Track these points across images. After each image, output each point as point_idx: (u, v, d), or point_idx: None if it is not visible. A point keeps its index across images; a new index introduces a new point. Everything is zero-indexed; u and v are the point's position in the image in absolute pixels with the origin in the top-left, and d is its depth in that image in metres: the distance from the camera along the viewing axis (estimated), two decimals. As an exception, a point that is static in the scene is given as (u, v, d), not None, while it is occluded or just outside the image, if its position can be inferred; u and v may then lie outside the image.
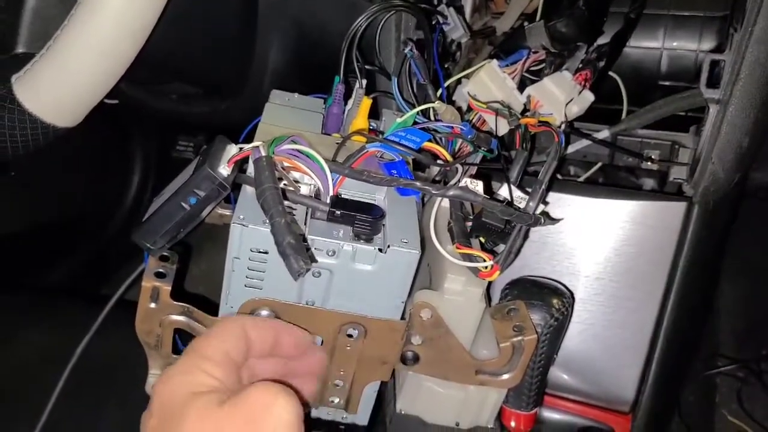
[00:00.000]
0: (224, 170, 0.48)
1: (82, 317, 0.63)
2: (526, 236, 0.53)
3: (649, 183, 0.74)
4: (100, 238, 1.29)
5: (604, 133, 0.72)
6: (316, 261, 0.46)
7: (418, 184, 0.47)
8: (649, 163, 0.72)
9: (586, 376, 0.73)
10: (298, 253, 0.40)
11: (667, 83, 0.78)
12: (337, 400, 0.55)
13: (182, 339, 0.52)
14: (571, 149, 0.73)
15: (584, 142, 0.72)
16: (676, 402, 0.99)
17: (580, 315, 0.69)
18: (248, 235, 0.45)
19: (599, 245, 0.69)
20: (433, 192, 0.47)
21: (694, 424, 1.04)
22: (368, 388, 0.54)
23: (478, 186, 0.49)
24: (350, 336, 0.50)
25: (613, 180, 0.76)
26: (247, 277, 0.47)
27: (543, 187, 0.51)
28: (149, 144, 1.33)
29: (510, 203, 0.51)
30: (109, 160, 1.30)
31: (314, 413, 0.56)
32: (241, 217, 0.45)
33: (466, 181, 0.49)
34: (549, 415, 0.74)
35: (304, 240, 0.45)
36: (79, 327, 0.63)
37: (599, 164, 0.75)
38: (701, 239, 0.68)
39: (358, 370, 0.52)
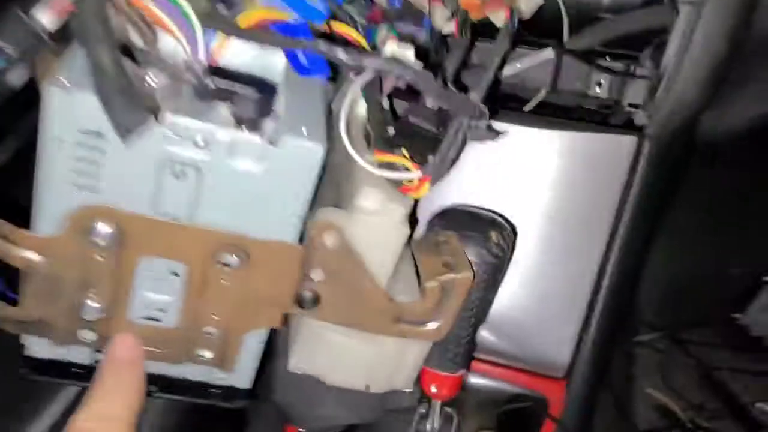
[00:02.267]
0: (45, 17, 0.33)
1: None
2: (463, 144, 0.41)
3: (597, 114, 0.65)
4: None
5: (548, 53, 0.61)
6: (155, 116, 0.31)
7: (323, 47, 0.33)
8: (598, 89, 0.62)
9: (516, 336, 0.63)
10: (129, 101, 0.26)
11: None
12: (208, 355, 0.41)
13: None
14: (509, 71, 0.62)
15: (526, 63, 0.62)
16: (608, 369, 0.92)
17: (515, 262, 0.58)
18: (72, 106, 0.31)
19: (539, 181, 0.59)
20: (348, 63, 0.34)
21: (617, 395, 0.99)
22: (251, 338, 0.41)
23: (408, 52, 0.36)
24: (227, 265, 0.37)
25: (556, 109, 0.66)
26: (74, 172, 0.33)
27: (490, 75, 0.39)
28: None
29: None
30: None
31: (178, 372, 0.42)
32: (62, 78, 0.30)
33: (393, 47, 0.36)
34: (475, 381, 0.63)
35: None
36: None
37: (543, 91, 0.64)
38: (651, 175, 0.59)
39: (237, 313, 0.39)
